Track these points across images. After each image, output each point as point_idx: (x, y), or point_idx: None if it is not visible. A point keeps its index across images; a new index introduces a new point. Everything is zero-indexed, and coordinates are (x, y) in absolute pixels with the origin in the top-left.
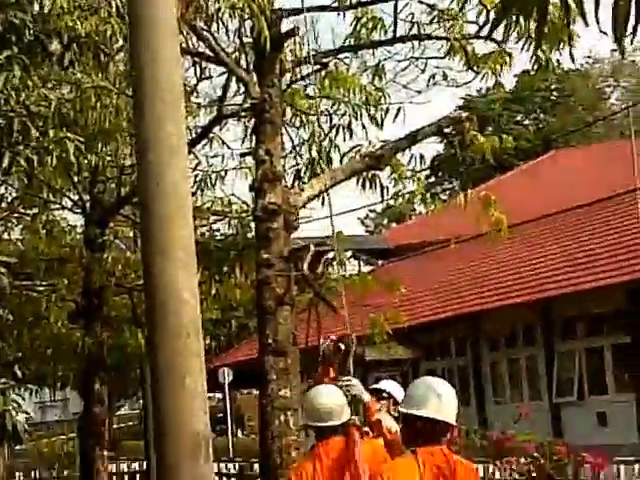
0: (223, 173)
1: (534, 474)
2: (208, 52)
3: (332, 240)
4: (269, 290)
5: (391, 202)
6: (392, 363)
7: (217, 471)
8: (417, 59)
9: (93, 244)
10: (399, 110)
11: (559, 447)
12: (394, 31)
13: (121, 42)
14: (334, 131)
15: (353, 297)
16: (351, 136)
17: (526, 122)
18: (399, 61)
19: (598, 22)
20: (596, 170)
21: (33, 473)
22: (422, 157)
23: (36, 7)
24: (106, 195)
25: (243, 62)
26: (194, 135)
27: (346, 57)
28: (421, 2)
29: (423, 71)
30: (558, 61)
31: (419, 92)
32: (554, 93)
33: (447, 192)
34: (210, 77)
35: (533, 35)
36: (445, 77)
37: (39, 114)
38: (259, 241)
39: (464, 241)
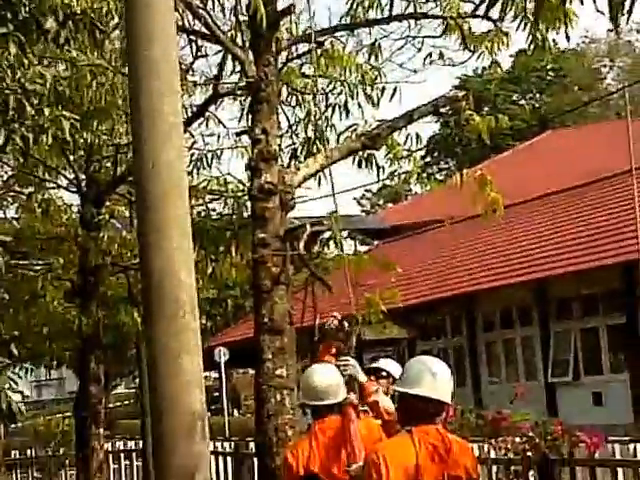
0: (219, 152)
1: (529, 453)
2: (204, 30)
3: (333, 218)
4: (265, 269)
5: (387, 182)
6: (388, 343)
7: (213, 450)
8: (413, 38)
9: (89, 223)
10: (395, 89)
11: (554, 426)
12: (390, 9)
13: (117, 20)
14: (330, 110)
15: (349, 277)
16: (347, 115)
17: (522, 102)
18: (395, 40)
19: (594, 1)
20: (592, 150)
21: (29, 451)
22: (418, 136)
23: None
24: (102, 174)
25: (239, 40)
26: (190, 114)
27: (342, 36)
28: None
29: (419, 50)
30: (554, 41)
31: (415, 71)
32: (550, 73)
33: (443, 172)
34: (206, 55)
35: (529, 14)
36: (441, 56)
37: (35, 92)
38: (255, 220)
39: (460, 221)
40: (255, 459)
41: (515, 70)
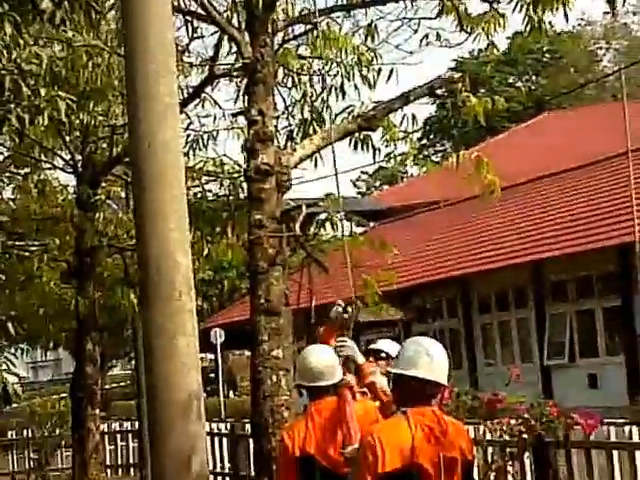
0: (215, 133)
1: (525, 435)
2: (200, 11)
3: (329, 199)
4: (261, 250)
5: (383, 164)
6: (384, 324)
7: (209, 431)
8: (410, 19)
9: (85, 204)
10: (391, 71)
11: (550, 408)
12: None
13: (112, 0)
14: (326, 92)
15: (345, 258)
16: (343, 97)
17: (518, 84)
18: (391, 21)
19: None
20: (588, 132)
21: (25, 432)
22: (414, 118)
23: None
24: (98, 155)
25: (235, 21)
26: (186, 95)
27: (338, 17)
28: None
29: (416, 32)
30: (550, 23)
31: (411, 53)
32: (546, 55)
33: (439, 154)
34: (202, 36)
35: None
36: (438, 38)
37: (31, 72)
38: (251, 201)
39: (456, 203)
40: (251, 440)
41: (511, 52)
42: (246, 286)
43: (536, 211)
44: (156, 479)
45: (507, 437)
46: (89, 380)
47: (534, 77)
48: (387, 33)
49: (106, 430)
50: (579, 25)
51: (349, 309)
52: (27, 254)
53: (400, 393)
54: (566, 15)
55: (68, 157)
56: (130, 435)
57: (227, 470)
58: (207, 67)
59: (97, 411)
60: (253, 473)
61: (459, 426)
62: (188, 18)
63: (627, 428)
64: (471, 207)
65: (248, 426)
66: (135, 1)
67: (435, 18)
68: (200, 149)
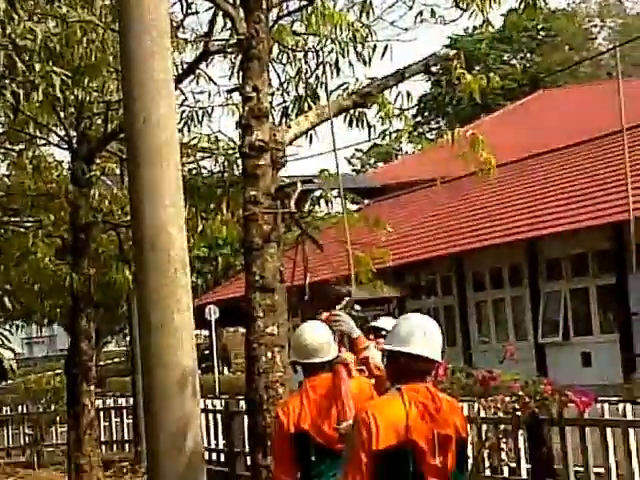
0: (210, 110)
1: (519, 413)
2: None
3: (324, 176)
4: (256, 227)
5: (378, 141)
6: (378, 302)
7: (203, 407)
8: None
9: (80, 180)
10: (386, 47)
11: (544, 386)
12: None
13: None
14: (321, 68)
15: (339, 236)
16: (338, 73)
17: (513, 62)
18: None
19: None
20: (583, 110)
21: (20, 408)
22: (409, 95)
23: None
24: (93, 131)
25: None
26: (180, 71)
27: None
28: None
29: (410, 8)
30: (545, 0)
31: (406, 30)
32: (541, 33)
33: (434, 132)
34: (196, 12)
35: None
36: (433, 14)
37: (25, 48)
38: (246, 178)
39: (450, 181)
40: (245, 416)
41: (506, 29)
42: (241, 263)
43: (531, 189)
44: (151, 455)
45: (501, 414)
46: (84, 356)
47: (529, 55)
48: (382, 9)
49: (101, 406)
50: (574, 3)
51: (343, 290)
52: (22, 230)
53: (394, 370)
54: None
55: (63, 133)
56: (125, 411)
57: (221, 446)
58: (202, 43)
59: (92, 387)
60: (247, 449)
61: (453, 403)
62: None
63: (621, 406)
64: (466, 185)
65: (242, 402)
66: None
67: None
68: (195, 125)
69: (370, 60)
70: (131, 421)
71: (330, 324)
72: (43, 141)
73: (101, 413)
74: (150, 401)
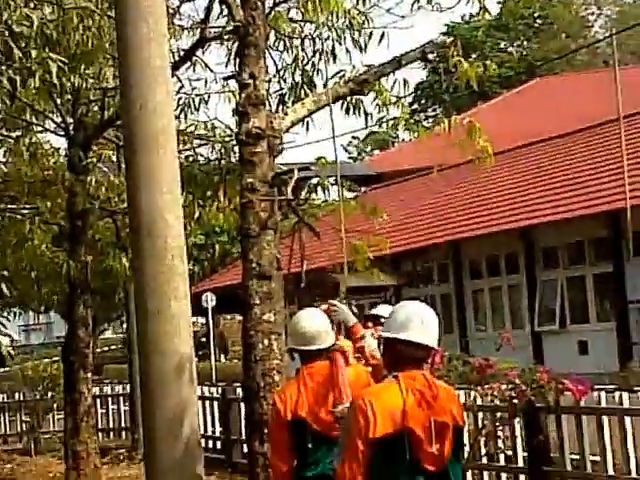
0: (206, 97)
1: (515, 401)
2: None
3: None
4: (253, 214)
5: (374, 128)
6: (374, 290)
7: (200, 395)
8: None
9: (76, 167)
10: (383, 35)
11: (541, 374)
12: None
13: None
14: (318, 55)
15: (335, 223)
16: (335, 61)
17: (510, 49)
18: None
19: None
20: (580, 98)
21: (17, 395)
22: (406, 82)
23: None
24: (89, 118)
25: None
26: (177, 58)
27: None
28: None
29: None
30: None
31: (403, 17)
32: (537, 20)
33: (430, 119)
34: None
35: None
36: (429, 1)
37: (21, 34)
38: (243, 165)
39: (447, 168)
40: (242, 404)
41: (502, 17)
42: (237, 250)
43: (528, 177)
44: (148, 442)
45: (498, 402)
46: (81, 343)
47: (525, 42)
48: None
49: (98, 394)
50: None
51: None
52: (19, 217)
53: (391, 357)
54: None
55: (59, 120)
56: (122, 399)
57: (218, 434)
58: (198, 30)
59: (89, 375)
60: (244, 437)
61: (450, 391)
62: None
63: (617, 394)
64: (463, 173)
65: (239, 390)
66: None
67: None
68: (191, 113)
69: (366, 47)
70: (128, 408)
71: (329, 313)
72: (40, 128)
73: (98, 400)
74: (147, 388)
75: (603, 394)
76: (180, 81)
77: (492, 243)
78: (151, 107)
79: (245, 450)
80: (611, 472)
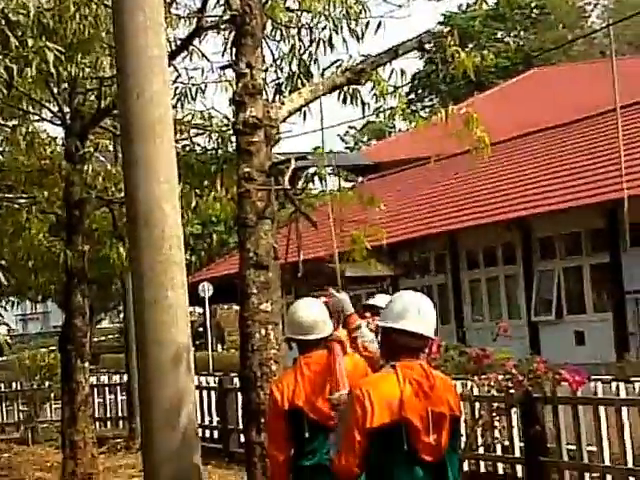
0: (203, 86)
1: (512, 391)
2: None
3: (317, 153)
4: (250, 204)
5: (371, 118)
6: (371, 280)
7: (197, 384)
8: None
9: (73, 156)
10: (380, 24)
11: (537, 364)
12: None
13: None
14: (315, 45)
15: (333, 213)
16: (332, 50)
17: (506, 39)
18: None
19: None
20: (576, 89)
21: (15, 385)
22: (403, 72)
23: None
24: (86, 107)
25: None
26: (173, 47)
27: None
28: None
29: None
30: None
31: (400, 6)
32: (534, 10)
33: (427, 109)
34: None
35: None
36: None
37: (18, 23)
38: (240, 155)
39: (444, 159)
40: (239, 394)
41: (499, 7)
42: (235, 240)
43: (524, 167)
44: (145, 432)
45: (494, 392)
46: (78, 333)
47: (522, 32)
48: None
49: (95, 383)
50: None
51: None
52: (16, 206)
53: (388, 347)
54: None
55: (56, 109)
56: (119, 388)
57: (215, 423)
58: (195, 19)
59: (86, 364)
60: (241, 426)
61: (447, 381)
62: None
63: (614, 384)
64: (460, 163)
65: (236, 380)
66: None
67: None
68: (188, 102)
69: (363, 36)
70: (125, 398)
71: (328, 304)
72: (37, 117)
73: (95, 390)
74: (144, 378)
75: (600, 384)
76: (177, 70)
77: (489, 233)
78: (148, 96)
79: (242, 440)
80: (607, 462)
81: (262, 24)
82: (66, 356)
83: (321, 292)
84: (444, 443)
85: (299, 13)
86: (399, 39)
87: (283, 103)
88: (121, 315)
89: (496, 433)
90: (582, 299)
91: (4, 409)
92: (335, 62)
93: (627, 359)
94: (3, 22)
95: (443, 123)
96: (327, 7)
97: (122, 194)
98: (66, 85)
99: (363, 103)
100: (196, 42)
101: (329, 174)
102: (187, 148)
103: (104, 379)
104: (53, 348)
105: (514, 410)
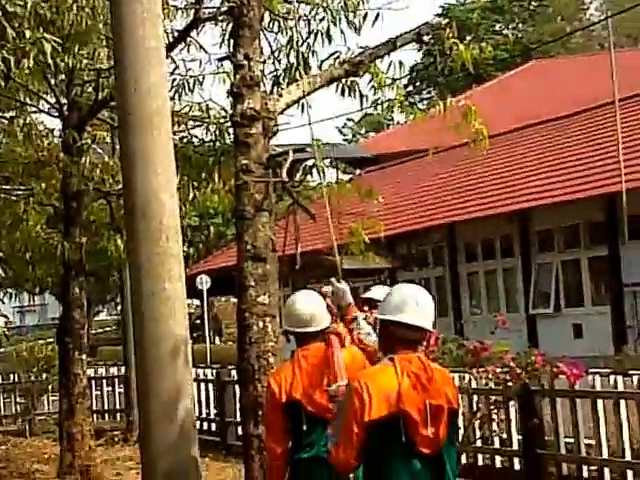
0: (201, 78)
1: (510, 384)
2: None
3: (315, 145)
4: (247, 196)
5: (369, 111)
6: (370, 272)
7: (195, 377)
8: None
9: (71, 148)
10: (378, 16)
11: (535, 357)
12: None
13: None
14: (312, 37)
15: (331, 206)
16: (330, 42)
17: (505, 32)
18: None
19: None
20: (575, 81)
21: (12, 377)
22: (401, 64)
23: None
24: (83, 98)
25: None
26: (171, 39)
27: None
28: None
29: None
30: None
31: None
32: (533, 3)
33: (425, 102)
34: None
35: None
36: None
37: (15, 14)
38: (238, 147)
39: (442, 151)
40: (237, 386)
41: None
42: (232, 233)
43: (522, 160)
44: (143, 424)
45: (492, 385)
46: (76, 325)
47: (521, 25)
48: None
49: (93, 375)
50: None
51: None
52: (13, 198)
53: (386, 339)
54: None
55: (53, 101)
56: (116, 380)
57: (213, 416)
58: (192, 11)
59: (84, 356)
60: (239, 419)
61: (445, 373)
62: None
63: (612, 378)
64: (458, 155)
65: (234, 372)
66: None
67: None
68: (186, 94)
69: (361, 28)
70: (123, 390)
71: (325, 295)
72: (34, 109)
73: (93, 382)
74: (142, 370)
75: (598, 377)
76: (174, 62)
77: (487, 226)
78: (145, 88)
79: (240, 432)
80: (605, 455)
81: (260, 16)
82: (64, 348)
83: (319, 284)
84: (442, 436)
85: (297, 5)
86: (397, 31)
87: (281, 95)
88: (119, 307)
89: (494, 426)
90: (580, 292)
91: (1, 401)
92: (333, 54)
93: (625, 352)
94: (0, 13)
95: (441, 115)
96: None
97: (120, 186)
98: (63, 77)
99: (361, 95)
100: (194, 34)
101: (327, 166)
102: (185, 140)
103: (102, 371)
104: (51, 340)
105: (512, 403)
